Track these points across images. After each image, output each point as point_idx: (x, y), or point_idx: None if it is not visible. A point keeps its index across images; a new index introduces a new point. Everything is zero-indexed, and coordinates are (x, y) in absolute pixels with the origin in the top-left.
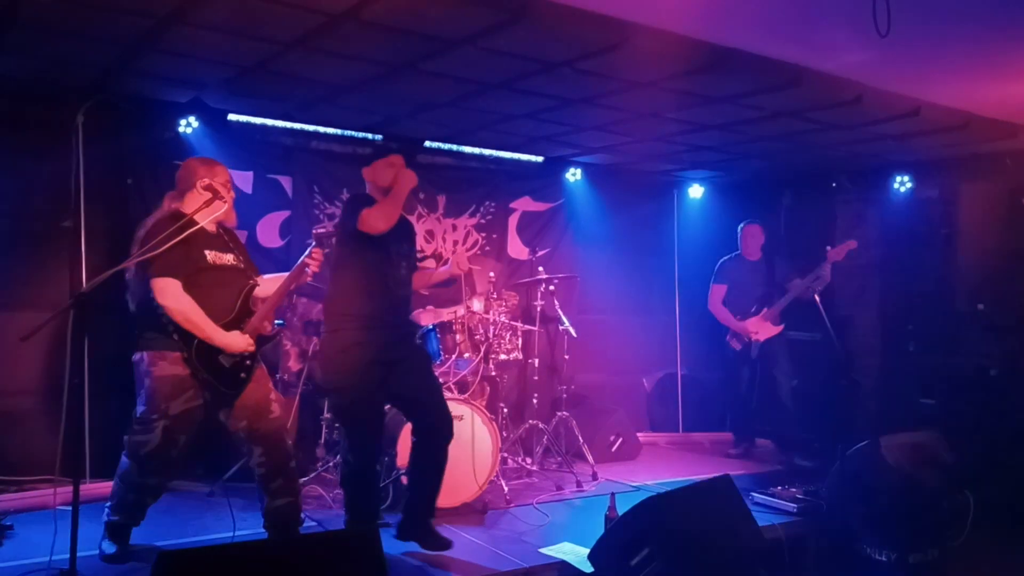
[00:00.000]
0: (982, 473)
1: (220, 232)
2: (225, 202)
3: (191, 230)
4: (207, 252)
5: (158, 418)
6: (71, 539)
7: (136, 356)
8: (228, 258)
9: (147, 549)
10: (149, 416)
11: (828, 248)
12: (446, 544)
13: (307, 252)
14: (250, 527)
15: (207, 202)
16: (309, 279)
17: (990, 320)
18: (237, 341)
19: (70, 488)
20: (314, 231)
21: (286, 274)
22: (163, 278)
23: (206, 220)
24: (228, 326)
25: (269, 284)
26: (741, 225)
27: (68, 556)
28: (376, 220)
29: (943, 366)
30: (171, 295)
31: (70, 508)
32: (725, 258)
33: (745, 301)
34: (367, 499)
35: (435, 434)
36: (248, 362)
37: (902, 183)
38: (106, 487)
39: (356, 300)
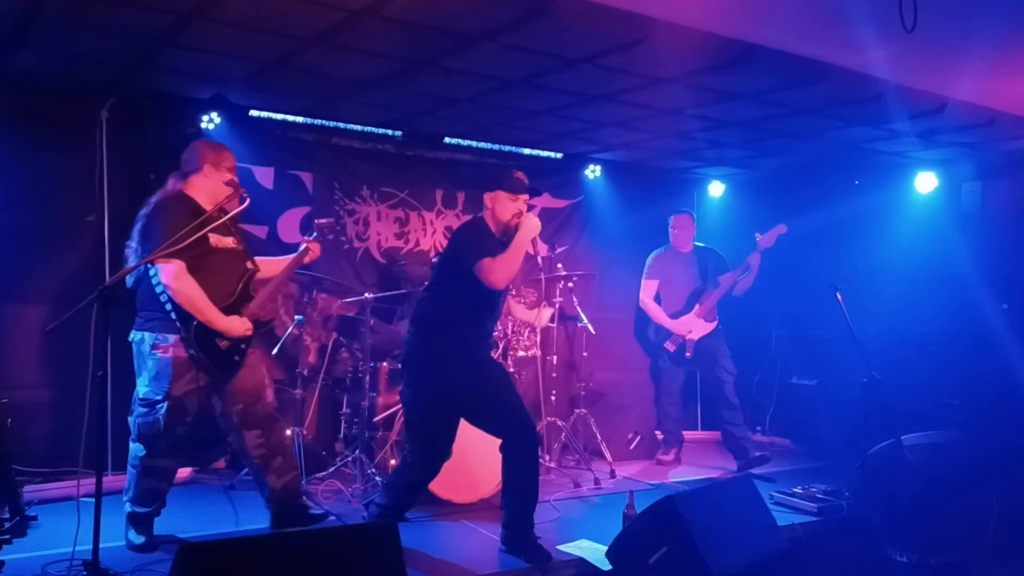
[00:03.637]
0: (1005, 474)
1: (220, 215)
2: (246, 198)
3: (202, 220)
4: (210, 235)
5: (162, 399)
6: (94, 530)
7: (136, 336)
8: (229, 241)
9: (170, 541)
10: (153, 397)
11: (757, 235)
12: (547, 557)
13: (303, 245)
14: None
15: (229, 197)
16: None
17: (1015, 320)
18: (236, 326)
19: (93, 480)
20: (316, 222)
21: (281, 258)
22: (168, 260)
23: (218, 211)
24: (227, 310)
25: (267, 267)
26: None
27: (91, 547)
28: (496, 277)
29: (967, 366)
30: (176, 276)
31: (93, 500)
32: (655, 251)
33: (677, 297)
34: (407, 504)
35: (525, 449)
36: (243, 346)
37: (926, 181)
38: None
39: (452, 320)
